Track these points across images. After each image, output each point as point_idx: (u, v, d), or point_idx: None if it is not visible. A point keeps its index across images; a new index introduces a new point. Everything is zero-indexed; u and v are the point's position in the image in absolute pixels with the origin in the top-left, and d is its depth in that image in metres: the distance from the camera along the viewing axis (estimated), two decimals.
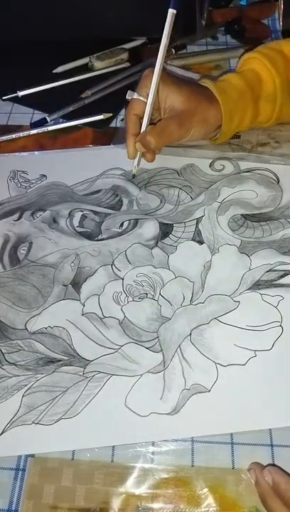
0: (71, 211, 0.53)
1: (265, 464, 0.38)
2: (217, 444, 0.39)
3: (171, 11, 0.49)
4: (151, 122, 0.53)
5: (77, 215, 0.53)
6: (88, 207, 0.54)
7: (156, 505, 0.36)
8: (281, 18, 0.74)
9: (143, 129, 0.53)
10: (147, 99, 0.52)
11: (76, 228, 0.52)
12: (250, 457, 0.38)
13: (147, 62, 0.69)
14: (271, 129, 0.57)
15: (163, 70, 0.52)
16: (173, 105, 0.51)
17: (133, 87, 0.55)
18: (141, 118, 0.53)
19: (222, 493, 0.37)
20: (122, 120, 0.62)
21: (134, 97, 0.53)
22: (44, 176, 0.57)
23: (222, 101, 0.51)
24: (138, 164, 0.54)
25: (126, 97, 0.53)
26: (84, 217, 0.53)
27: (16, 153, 0.60)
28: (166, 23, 0.49)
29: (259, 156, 0.55)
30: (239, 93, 0.51)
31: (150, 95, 0.52)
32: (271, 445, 0.39)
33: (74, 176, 0.57)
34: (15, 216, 0.53)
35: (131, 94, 0.53)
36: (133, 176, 0.55)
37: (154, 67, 0.51)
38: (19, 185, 0.56)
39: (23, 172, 0.57)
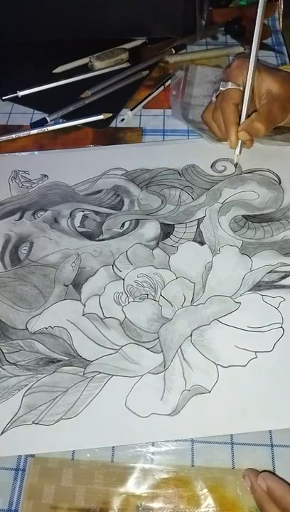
0: (72, 211, 0.53)
1: (266, 464, 0.38)
2: (217, 444, 0.39)
3: None
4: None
5: (78, 215, 0.53)
6: (89, 207, 0.54)
7: (155, 506, 0.36)
8: (281, 18, 0.74)
9: (243, 116, 0.53)
10: (242, 87, 0.53)
11: (77, 228, 0.52)
12: (250, 457, 0.38)
13: (147, 63, 0.70)
14: None
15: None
16: (270, 90, 0.53)
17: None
18: (238, 106, 0.53)
19: (222, 493, 0.37)
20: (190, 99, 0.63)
21: (229, 86, 0.53)
22: (45, 175, 0.57)
23: None
24: (240, 152, 0.55)
25: (221, 87, 0.54)
26: (85, 217, 0.53)
27: (18, 153, 0.60)
28: (259, 8, 0.49)
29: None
30: None
31: (248, 83, 0.52)
32: (271, 445, 0.39)
33: (75, 175, 0.57)
34: (17, 216, 0.53)
35: (225, 84, 0.54)
36: (236, 165, 0.56)
37: (244, 56, 0.52)
38: (20, 185, 0.56)
39: (25, 172, 0.57)
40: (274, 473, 0.37)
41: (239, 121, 0.53)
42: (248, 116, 0.53)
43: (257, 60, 0.52)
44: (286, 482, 0.36)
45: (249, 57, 0.52)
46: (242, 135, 0.53)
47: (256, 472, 0.37)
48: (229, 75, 0.54)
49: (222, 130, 0.55)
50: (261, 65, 0.54)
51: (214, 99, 0.56)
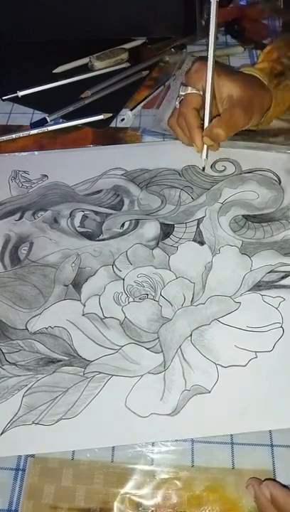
0: (72, 211, 0.53)
1: (266, 464, 0.38)
2: (217, 444, 0.39)
3: (214, 0, 0.49)
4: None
5: (78, 215, 0.53)
6: (89, 207, 0.54)
7: (155, 506, 0.36)
8: (281, 18, 0.74)
9: (206, 121, 0.53)
10: (202, 92, 0.52)
11: (77, 228, 0.52)
12: (250, 457, 0.38)
13: (147, 63, 0.70)
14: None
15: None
16: (230, 94, 0.52)
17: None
18: (199, 111, 0.53)
19: (222, 493, 0.37)
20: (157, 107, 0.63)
21: (189, 91, 0.53)
22: (45, 176, 0.57)
23: (272, 90, 0.52)
24: (207, 157, 0.54)
25: (180, 92, 0.54)
26: (85, 217, 0.53)
27: (17, 153, 0.60)
28: (211, 13, 0.49)
29: (269, 145, 0.56)
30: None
31: (208, 87, 0.51)
32: (271, 445, 0.39)
33: (75, 176, 0.57)
34: (17, 216, 0.53)
35: (185, 89, 0.53)
36: (203, 169, 0.55)
37: (203, 59, 0.51)
38: (20, 185, 0.56)
39: (25, 172, 0.57)
40: (276, 481, 0.37)
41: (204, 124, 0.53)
42: (211, 120, 0.53)
43: (215, 63, 0.52)
44: (289, 489, 0.36)
45: (206, 61, 0.51)
46: (206, 140, 0.53)
47: (259, 481, 0.36)
48: (189, 79, 0.54)
49: (187, 135, 0.55)
50: (220, 69, 0.53)
51: (177, 104, 0.55)
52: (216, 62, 0.52)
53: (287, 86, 0.54)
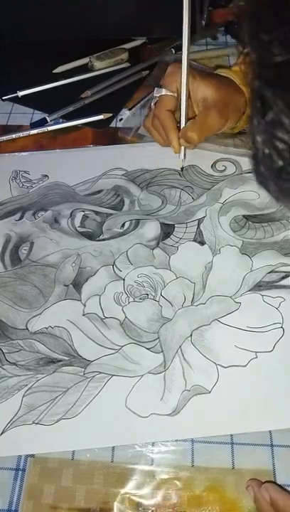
0: (72, 211, 0.53)
1: (266, 464, 0.38)
2: (217, 444, 0.39)
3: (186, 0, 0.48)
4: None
5: (79, 215, 0.53)
6: (89, 207, 0.54)
7: (155, 506, 0.36)
8: None
9: (182, 123, 0.53)
10: (177, 94, 0.52)
11: (77, 228, 0.52)
12: (250, 457, 0.38)
13: (147, 63, 0.69)
14: None
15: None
16: (205, 97, 0.52)
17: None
18: (174, 113, 0.53)
19: (222, 493, 0.37)
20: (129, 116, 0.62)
21: (163, 93, 0.53)
22: (46, 176, 0.57)
23: (246, 90, 0.51)
24: (184, 157, 0.54)
25: (154, 94, 0.54)
26: (85, 217, 0.53)
27: (18, 153, 0.60)
28: (184, 11, 0.48)
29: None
30: None
31: (183, 89, 0.51)
32: (271, 445, 0.39)
33: (75, 176, 0.57)
34: (17, 216, 0.53)
35: (159, 91, 0.53)
36: (182, 169, 0.55)
37: (179, 61, 0.51)
38: (21, 185, 0.56)
39: (25, 172, 0.57)
40: (276, 484, 0.37)
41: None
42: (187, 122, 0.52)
43: (191, 66, 0.51)
44: (289, 492, 0.36)
45: (181, 63, 0.50)
46: (182, 142, 0.53)
47: (259, 482, 0.36)
48: (164, 81, 0.54)
49: (163, 137, 0.55)
50: (195, 71, 0.52)
51: (153, 106, 0.55)
52: (191, 65, 0.51)
53: None
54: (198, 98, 0.52)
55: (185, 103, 0.52)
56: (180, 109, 0.53)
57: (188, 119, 0.53)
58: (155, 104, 0.54)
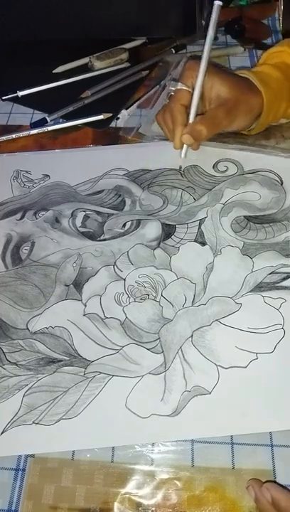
0: (74, 211, 0.53)
1: (266, 464, 0.38)
2: (217, 444, 0.39)
3: (217, 4, 0.49)
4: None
5: (80, 215, 0.53)
6: (91, 207, 0.54)
7: (155, 506, 0.36)
8: (281, 18, 0.74)
9: (191, 118, 0.53)
10: (192, 89, 0.52)
11: (78, 228, 0.52)
12: (250, 457, 0.38)
13: (147, 63, 0.69)
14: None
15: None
16: (218, 94, 0.52)
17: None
18: (187, 108, 0.53)
19: (222, 493, 0.37)
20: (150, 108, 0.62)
21: (179, 87, 0.53)
22: (47, 175, 0.57)
23: (264, 91, 0.51)
24: (185, 156, 0.54)
25: (170, 87, 0.54)
26: (86, 217, 0.53)
27: (20, 153, 0.60)
28: (212, 16, 0.49)
29: (260, 148, 0.56)
30: (278, 84, 0.52)
31: (197, 85, 0.52)
32: (271, 445, 0.39)
33: (77, 176, 0.57)
34: (18, 216, 0.53)
35: (175, 84, 0.53)
36: (180, 168, 0.55)
37: (197, 58, 0.51)
38: (22, 185, 0.56)
39: (27, 172, 0.57)
40: (277, 483, 0.37)
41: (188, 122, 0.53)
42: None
43: (210, 63, 0.51)
44: None
45: (199, 59, 0.51)
46: (186, 138, 0.52)
47: (260, 482, 0.36)
48: (181, 76, 0.54)
49: (171, 131, 0.55)
50: (213, 68, 0.53)
51: (167, 100, 0.55)
52: (210, 63, 0.51)
53: (281, 92, 0.53)
54: (212, 95, 0.52)
55: (197, 99, 0.52)
56: (191, 104, 0.53)
57: (196, 116, 0.53)
58: (169, 98, 0.54)
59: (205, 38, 0.51)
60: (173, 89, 0.53)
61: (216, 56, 0.71)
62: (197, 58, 0.52)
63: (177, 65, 0.68)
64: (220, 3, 0.49)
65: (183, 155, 0.54)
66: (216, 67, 0.54)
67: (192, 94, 0.53)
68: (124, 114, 0.63)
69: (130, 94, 0.66)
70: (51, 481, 0.37)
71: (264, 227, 0.50)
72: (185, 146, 0.54)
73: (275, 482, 0.37)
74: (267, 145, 0.56)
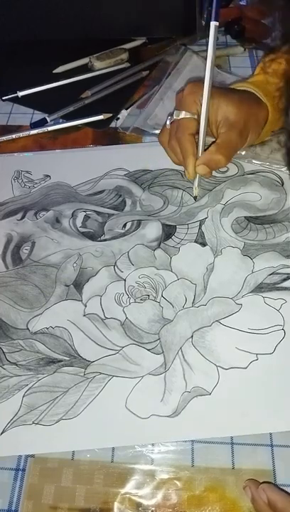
0: (74, 211, 0.53)
1: (266, 464, 0.38)
2: (217, 444, 0.39)
3: (213, 24, 0.47)
4: None
5: (80, 216, 0.53)
6: (91, 207, 0.54)
7: (155, 506, 0.36)
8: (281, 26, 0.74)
9: (200, 147, 0.50)
10: (197, 115, 0.50)
11: (79, 228, 0.52)
12: (250, 457, 0.38)
13: (147, 63, 0.69)
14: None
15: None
16: (227, 116, 0.49)
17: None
18: (195, 136, 0.51)
19: (222, 493, 0.37)
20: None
21: (183, 116, 0.51)
22: (48, 176, 0.57)
23: (270, 103, 0.50)
24: (198, 185, 0.52)
25: (174, 116, 0.51)
26: (87, 217, 0.53)
27: (20, 154, 0.60)
28: (210, 37, 0.47)
29: (253, 157, 0.55)
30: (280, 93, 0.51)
31: (203, 112, 0.49)
32: (271, 445, 0.39)
33: (77, 176, 0.57)
34: (19, 216, 0.53)
35: (178, 113, 0.51)
36: (195, 198, 0.53)
37: (197, 81, 0.49)
38: (23, 185, 0.56)
39: (27, 172, 0.57)
40: (274, 484, 0.37)
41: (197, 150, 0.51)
42: (204, 145, 0.50)
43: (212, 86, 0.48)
44: (287, 493, 0.36)
45: (202, 81, 0.48)
46: (201, 169, 0.50)
47: (257, 483, 0.36)
48: (183, 102, 0.51)
49: (180, 159, 0.52)
50: (214, 89, 0.49)
51: (168, 123, 0.53)
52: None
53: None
54: (219, 118, 0.50)
55: (204, 126, 0.49)
56: (198, 134, 0.50)
57: (205, 145, 0.51)
58: (171, 123, 0.52)
59: (205, 59, 0.48)
60: (178, 118, 0.51)
61: (216, 56, 0.70)
62: (197, 81, 0.50)
63: (176, 64, 0.67)
64: (217, 23, 0.47)
65: (196, 184, 0.52)
66: (215, 87, 0.51)
67: (198, 121, 0.50)
68: (124, 114, 0.63)
69: (130, 95, 0.66)
70: (51, 481, 0.37)
71: (265, 228, 0.50)
72: (197, 176, 0.51)
73: (272, 483, 0.37)
74: (261, 154, 0.56)
